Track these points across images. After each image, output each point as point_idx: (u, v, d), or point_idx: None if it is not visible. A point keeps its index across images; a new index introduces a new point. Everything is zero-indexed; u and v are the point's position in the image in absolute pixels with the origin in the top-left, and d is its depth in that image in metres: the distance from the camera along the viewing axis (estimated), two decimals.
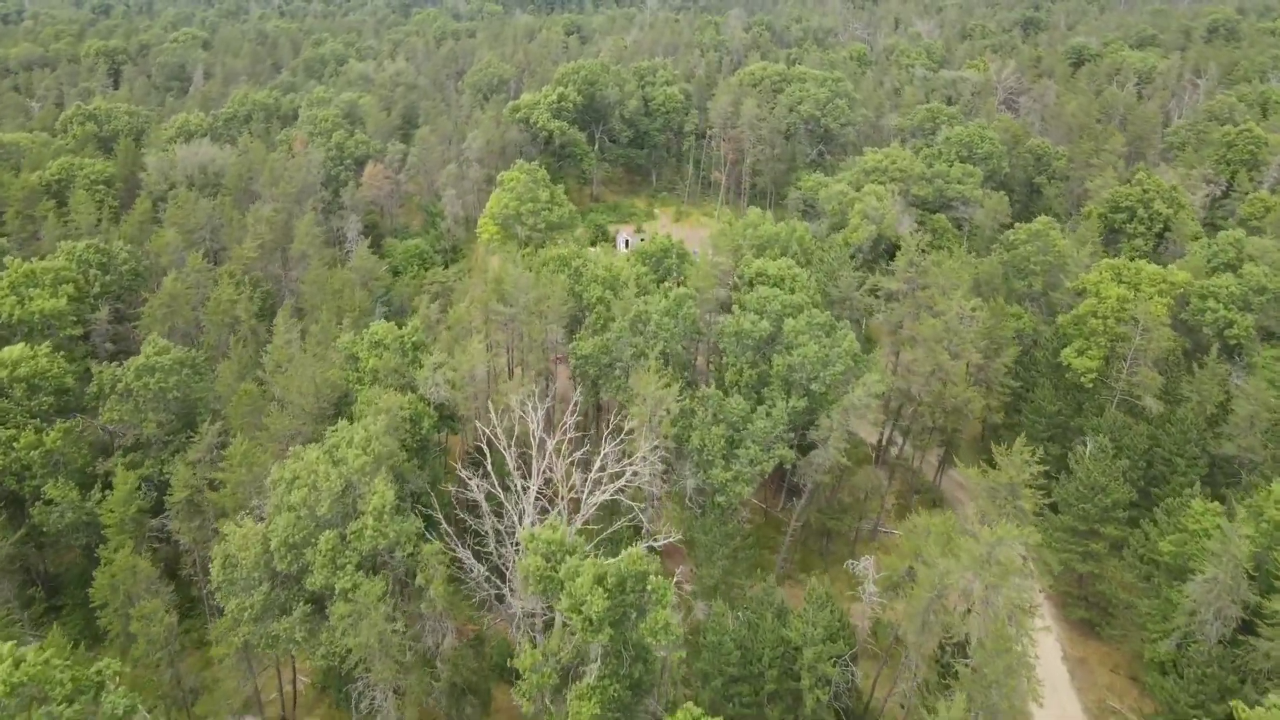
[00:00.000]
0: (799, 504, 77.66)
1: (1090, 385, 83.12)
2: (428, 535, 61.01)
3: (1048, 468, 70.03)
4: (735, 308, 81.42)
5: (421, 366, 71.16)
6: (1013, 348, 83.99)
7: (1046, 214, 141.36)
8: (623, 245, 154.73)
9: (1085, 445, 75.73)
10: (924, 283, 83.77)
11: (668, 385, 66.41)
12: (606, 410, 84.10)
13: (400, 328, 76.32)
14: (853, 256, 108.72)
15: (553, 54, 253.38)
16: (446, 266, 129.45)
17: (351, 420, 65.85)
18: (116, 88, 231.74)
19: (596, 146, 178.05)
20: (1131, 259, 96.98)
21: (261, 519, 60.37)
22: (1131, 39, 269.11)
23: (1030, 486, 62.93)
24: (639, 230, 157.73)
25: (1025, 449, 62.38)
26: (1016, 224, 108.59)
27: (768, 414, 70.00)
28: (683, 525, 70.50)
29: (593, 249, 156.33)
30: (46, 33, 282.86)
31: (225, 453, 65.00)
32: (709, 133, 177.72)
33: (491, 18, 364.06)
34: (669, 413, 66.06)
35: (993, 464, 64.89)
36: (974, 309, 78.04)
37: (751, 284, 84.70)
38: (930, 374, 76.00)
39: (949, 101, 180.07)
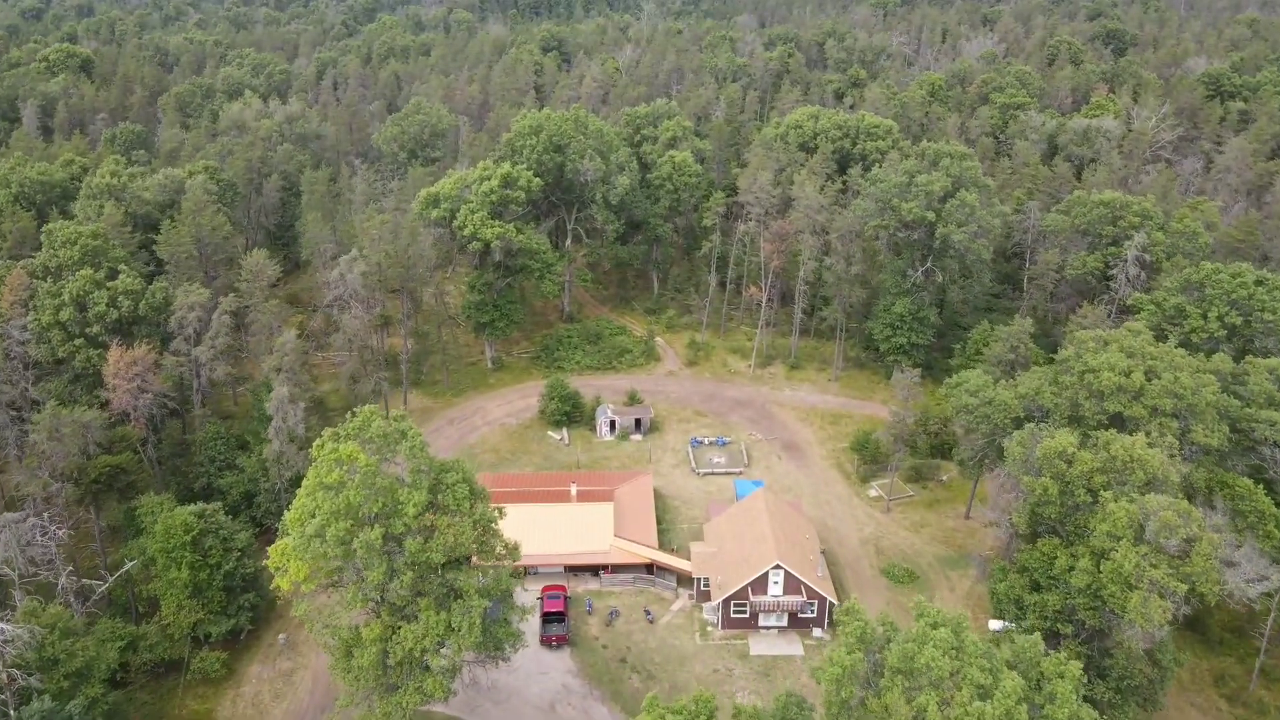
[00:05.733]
0: None
1: None
2: None
3: None
4: None
5: None
6: None
7: None
8: (605, 430, 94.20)
9: None
10: None
11: None
12: None
13: None
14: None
15: (521, 82, 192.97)
16: (256, 525, 68.34)
17: None
18: None
19: (570, 240, 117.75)
20: None
21: None
22: (1267, 58, 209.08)
23: None
24: (632, 400, 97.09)
25: None
26: None
27: None
28: None
29: (557, 436, 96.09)
30: None
31: None
32: (739, 212, 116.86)
33: (459, 28, 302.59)
34: None
35: None
36: None
37: None
38: None
39: (1092, 158, 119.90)
